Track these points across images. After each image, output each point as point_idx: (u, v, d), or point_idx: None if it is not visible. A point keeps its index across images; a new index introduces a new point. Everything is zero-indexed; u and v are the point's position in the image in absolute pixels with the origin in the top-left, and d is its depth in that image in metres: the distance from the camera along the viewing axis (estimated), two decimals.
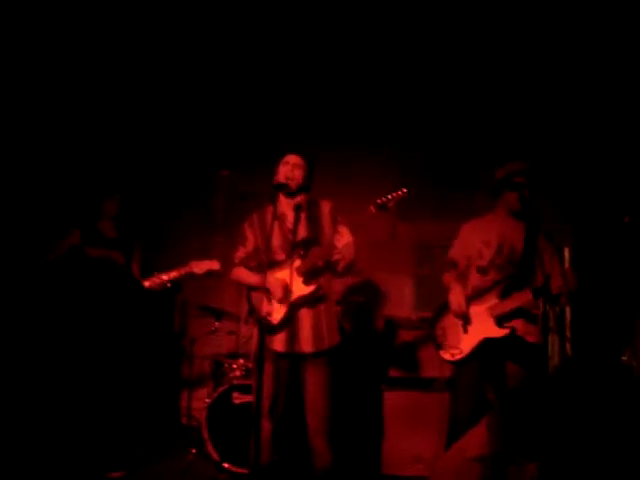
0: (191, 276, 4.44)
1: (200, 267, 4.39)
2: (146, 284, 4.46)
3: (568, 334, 5.07)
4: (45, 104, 5.23)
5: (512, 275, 3.56)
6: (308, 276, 3.51)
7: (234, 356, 4.86)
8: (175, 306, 5.56)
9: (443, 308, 3.74)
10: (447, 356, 3.62)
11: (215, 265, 4.33)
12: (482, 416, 3.29)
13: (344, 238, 3.37)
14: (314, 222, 3.63)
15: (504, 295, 3.52)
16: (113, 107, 5.52)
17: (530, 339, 3.52)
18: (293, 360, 3.52)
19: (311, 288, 3.49)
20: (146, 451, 4.62)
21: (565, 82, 5.12)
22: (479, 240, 3.69)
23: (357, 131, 5.52)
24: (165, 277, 4.45)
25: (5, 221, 4.94)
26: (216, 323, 4.87)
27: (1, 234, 4.90)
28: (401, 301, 5.26)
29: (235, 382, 4.42)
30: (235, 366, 4.58)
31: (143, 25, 5.05)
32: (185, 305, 5.20)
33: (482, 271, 3.64)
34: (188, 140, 5.69)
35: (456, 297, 3.60)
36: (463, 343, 3.57)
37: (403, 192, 3.29)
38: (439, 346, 3.68)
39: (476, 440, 2.50)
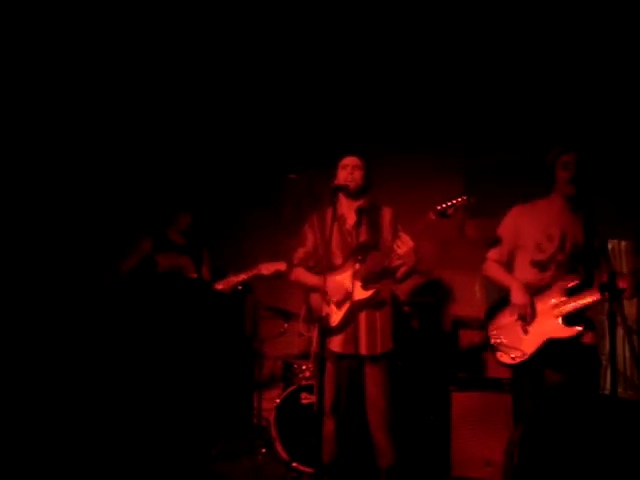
0: (259, 277, 4.53)
1: (268, 268, 4.48)
2: (218, 287, 4.59)
3: None
4: (117, 118, 5.49)
5: (576, 272, 3.39)
6: (367, 280, 3.51)
7: (304, 357, 4.92)
8: (246, 307, 5.67)
9: (496, 307, 3.53)
10: (505, 359, 3.38)
11: (282, 266, 4.40)
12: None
13: (406, 245, 3.30)
14: (374, 227, 3.63)
15: (569, 293, 3.32)
16: (187, 117, 5.71)
17: (587, 340, 3.33)
18: (352, 361, 3.53)
19: (370, 292, 3.50)
20: (218, 450, 4.74)
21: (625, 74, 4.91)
22: (537, 230, 3.45)
23: (418, 135, 5.47)
24: (235, 279, 4.58)
25: (80, 230, 5.20)
26: (285, 324, 4.94)
27: (76, 243, 5.17)
28: (471, 300, 5.14)
29: (303, 382, 4.47)
30: (304, 367, 4.63)
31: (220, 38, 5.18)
32: (256, 306, 5.29)
33: (540, 266, 3.42)
34: (257, 145, 5.79)
35: (522, 295, 3.37)
36: (525, 344, 3.34)
37: (463, 200, 3.23)
38: (494, 348, 3.44)
39: None
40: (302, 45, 5.27)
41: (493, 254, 3.61)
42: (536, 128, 5.12)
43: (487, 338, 3.48)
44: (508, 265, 3.59)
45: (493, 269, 3.62)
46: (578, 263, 3.44)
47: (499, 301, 3.55)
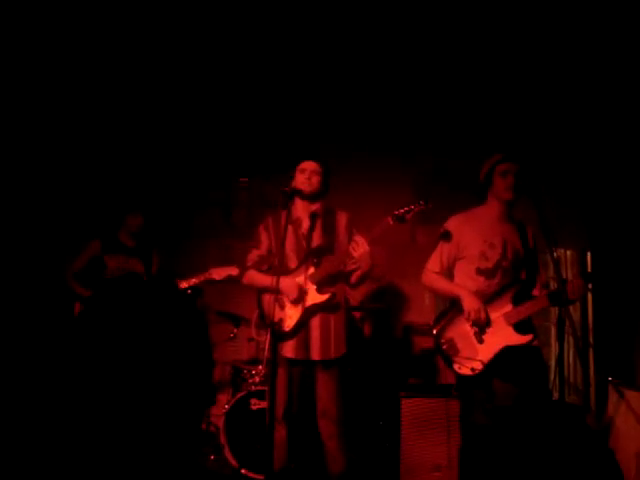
0: (211, 282, 4.48)
1: (219, 273, 4.43)
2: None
3: (591, 340, 4.99)
4: (68, 118, 5.36)
5: (520, 279, 3.45)
6: (322, 284, 3.50)
7: (254, 362, 4.88)
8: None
9: (443, 315, 3.49)
10: (465, 371, 3.29)
11: (234, 271, 4.35)
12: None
13: (361, 248, 3.30)
14: (329, 231, 3.62)
15: (517, 300, 3.34)
16: (137, 119, 5.61)
17: (534, 344, 3.36)
18: (304, 366, 3.52)
19: (325, 296, 3.48)
20: (166, 457, 4.65)
21: (582, 82, 5.04)
22: (480, 240, 3.46)
23: (371, 139, 5.52)
24: (184, 284, 4.50)
25: (29, 233, 5.06)
26: (235, 329, 4.89)
27: (26, 246, 5.02)
28: (422, 306, 5.20)
29: (253, 388, 4.43)
30: (254, 372, 4.58)
31: (172, 39, 5.11)
32: (206, 311, 5.21)
33: (486, 274, 3.43)
34: (209, 148, 5.72)
35: (474, 301, 3.34)
36: (481, 354, 3.29)
37: (421, 204, 3.27)
38: (450, 360, 3.34)
39: None
40: (258, 53, 5.26)
41: (432, 265, 3.59)
42: (485, 135, 5.23)
43: (440, 350, 3.40)
44: (448, 276, 3.58)
45: (436, 281, 3.59)
46: (521, 269, 3.49)
47: (445, 310, 3.53)
